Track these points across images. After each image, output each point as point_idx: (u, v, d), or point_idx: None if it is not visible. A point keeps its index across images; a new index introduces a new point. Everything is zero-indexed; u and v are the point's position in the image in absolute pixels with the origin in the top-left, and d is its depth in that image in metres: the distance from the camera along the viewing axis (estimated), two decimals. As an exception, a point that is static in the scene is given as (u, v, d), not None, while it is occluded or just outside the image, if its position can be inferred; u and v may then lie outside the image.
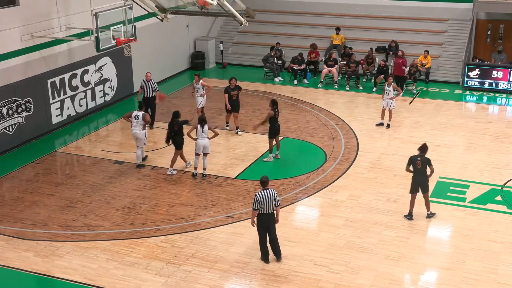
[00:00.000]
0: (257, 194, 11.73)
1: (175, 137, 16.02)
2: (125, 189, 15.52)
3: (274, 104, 16.72)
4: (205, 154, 15.92)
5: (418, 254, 12.55)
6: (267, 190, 11.78)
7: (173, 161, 16.22)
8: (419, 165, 13.52)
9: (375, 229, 13.47)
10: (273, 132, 16.77)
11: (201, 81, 19.46)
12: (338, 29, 25.95)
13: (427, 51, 23.91)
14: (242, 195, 15.11)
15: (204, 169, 16.03)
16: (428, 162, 13.54)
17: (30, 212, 14.37)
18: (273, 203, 11.80)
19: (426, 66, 23.85)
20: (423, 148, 13.71)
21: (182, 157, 16.40)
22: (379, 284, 11.53)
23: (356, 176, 16.14)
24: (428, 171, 13.55)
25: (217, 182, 15.85)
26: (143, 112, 16.62)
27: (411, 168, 13.67)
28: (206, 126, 15.79)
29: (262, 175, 11.94)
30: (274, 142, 16.99)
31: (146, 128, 16.65)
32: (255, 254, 12.40)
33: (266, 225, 11.93)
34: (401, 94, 20.09)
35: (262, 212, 11.78)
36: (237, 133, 18.75)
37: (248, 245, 12.80)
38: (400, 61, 22.45)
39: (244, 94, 20.97)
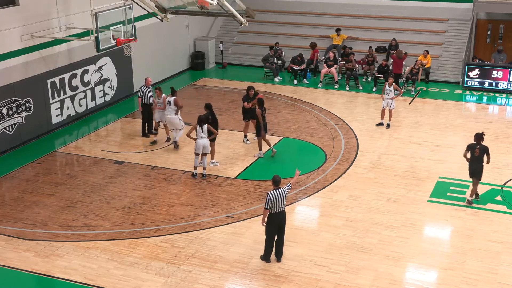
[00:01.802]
0: (269, 193, 11.72)
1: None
2: (125, 189, 15.52)
3: (260, 103, 16.94)
4: (204, 154, 15.93)
5: (418, 254, 12.55)
6: (279, 190, 11.79)
7: (212, 153, 16.58)
8: (477, 153, 14.16)
9: (375, 229, 13.47)
10: (259, 130, 17.02)
11: (163, 95, 17.94)
12: (338, 29, 25.96)
13: (427, 51, 23.92)
14: (242, 195, 15.10)
15: (204, 169, 16.03)
16: (486, 150, 14.17)
17: (30, 212, 14.37)
18: (284, 202, 11.85)
19: (426, 66, 23.85)
20: (479, 137, 14.24)
21: (211, 153, 16.58)
22: (379, 284, 11.53)
23: (356, 176, 16.14)
24: (485, 159, 14.20)
25: (217, 182, 15.84)
26: (174, 97, 17.56)
27: (468, 155, 14.29)
28: (205, 126, 15.81)
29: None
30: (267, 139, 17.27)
31: (179, 112, 17.60)
32: (255, 254, 12.40)
33: (278, 223, 11.94)
34: (401, 94, 20.09)
35: (273, 211, 11.79)
36: (246, 141, 18.41)
37: (248, 245, 12.80)
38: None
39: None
